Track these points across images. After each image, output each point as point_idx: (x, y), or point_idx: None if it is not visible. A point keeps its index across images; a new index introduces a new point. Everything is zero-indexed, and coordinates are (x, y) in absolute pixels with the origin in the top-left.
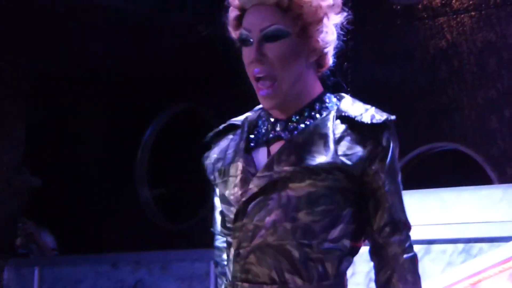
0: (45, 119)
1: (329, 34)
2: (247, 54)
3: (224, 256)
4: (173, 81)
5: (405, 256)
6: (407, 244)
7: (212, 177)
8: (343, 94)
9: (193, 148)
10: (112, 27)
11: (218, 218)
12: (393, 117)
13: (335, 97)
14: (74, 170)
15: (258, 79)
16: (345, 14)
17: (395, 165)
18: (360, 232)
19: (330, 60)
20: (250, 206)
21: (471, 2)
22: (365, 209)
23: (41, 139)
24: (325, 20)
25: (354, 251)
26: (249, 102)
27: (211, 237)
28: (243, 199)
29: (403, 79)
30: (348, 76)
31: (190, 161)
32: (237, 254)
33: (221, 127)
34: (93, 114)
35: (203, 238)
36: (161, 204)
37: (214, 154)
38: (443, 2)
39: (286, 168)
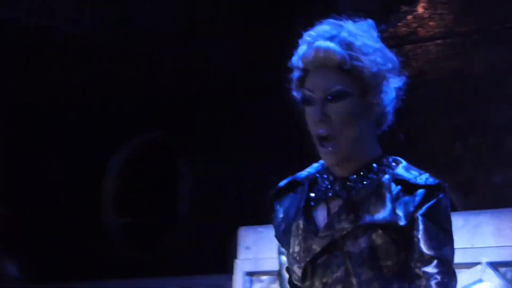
0: (5, 146)
1: (389, 95)
2: (311, 114)
3: None
4: (141, 109)
5: None
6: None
7: (278, 237)
8: (399, 158)
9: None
10: (75, 57)
11: (285, 275)
12: (445, 184)
13: (391, 160)
14: (38, 198)
15: (321, 138)
16: (404, 77)
17: (441, 219)
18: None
19: (389, 120)
20: (316, 265)
21: (436, 31)
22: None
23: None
24: (384, 82)
25: None
26: (215, 130)
27: (177, 266)
28: (307, 258)
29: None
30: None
31: (157, 189)
32: None
33: (283, 183)
34: (56, 142)
35: (168, 267)
36: (128, 232)
37: (279, 214)
38: (409, 30)
39: (346, 226)
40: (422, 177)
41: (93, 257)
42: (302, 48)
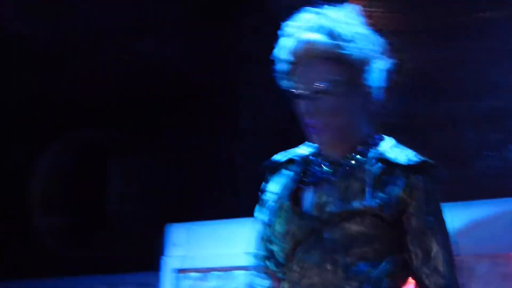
0: None
1: (377, 77)
2: (301, 106)
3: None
4: (70, 107)
5: None
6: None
7: (265, 210)
8: (385, 136)
9: (89, 175)
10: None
11: (263, 245)
12: (431, 161)
13: (378, 138)
14: None
15: (309, 127)
16: (392, 58)
17: (432, 205)
18: (403, 273)
19: (380, 101)
20: (297, 249)
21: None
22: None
23: None
24: (371, 65)
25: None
26: (144, 129)
27: (106, 263)
28: (290, 243)
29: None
30: (248, 103)
31: (86, 188)
32: None
33: (281, 159)
34: None
35: (98, 265)
36: (57, 231)
37: (270, 188)
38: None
39: (326, 212)
40: (404, 156)
41: (22, 257)
42: (286, 41)
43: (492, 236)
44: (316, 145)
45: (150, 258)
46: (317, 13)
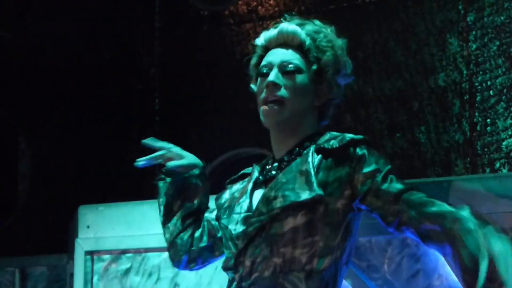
0: None
1: (338, 89)
2: (262, 82)
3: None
4: None
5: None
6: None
7: (216, 213)
8: (327, 131)
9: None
10: None
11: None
12: (359, 136)
13: (319, 133)
14: None
15: (267, 103)
16: (352, 77)
17: (376, 159)
18: (344, 249)
19: (331, 113)
20: (248, 245)
21: (276, 9)
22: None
23: None
24: (337, 75)
25: (341, 275)
26: (56, 109)
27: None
28: (242, 240)
29: (211, 84)
30: (156, 82)
31: None
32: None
33: (235, 176)
34: None
35: (8, 247)
36: None
37: (225, 195)
38: (249, 8)
39: (275, 207)
40: (336, 140)
41: None
42: (267, 31)
43: None
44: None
45: (64, 240)
46: (303, 19)
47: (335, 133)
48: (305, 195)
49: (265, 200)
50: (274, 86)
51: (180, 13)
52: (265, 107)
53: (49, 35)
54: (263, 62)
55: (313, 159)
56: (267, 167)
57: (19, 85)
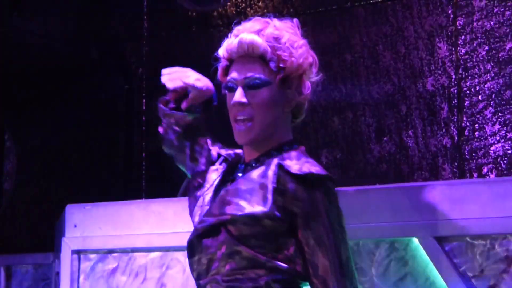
0: None
1: (306, 89)
2: (230, 99)
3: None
4: None
5: None
6: None
7: (189, 201)
8: (298, 146)
9: None
10: None
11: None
12: (324, 173)
13: (288, 147)
14: None
15: (237, 121)
16: (320, 74)
17: (323, 220)
18: (299, 263)
19: (303, 113)
20: (203, 241)
21: (265, 11)
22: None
23: None
24: (304, 76)
25: (299, 277)
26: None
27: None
28: (196, 234)
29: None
30: (143, 82)
31: None
32: (198, 285)
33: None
34: None
35: None
36: None
37: (206, 175)
38: (238, 10)
39: (228, 212)
40: (304, 167)
41: None
42: (228, 40)
43: (390, 221)
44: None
45: (51, 239)
46: (263, 20)
47: (302, 155)
48: (258, 209)
49: (220, 202)
50: (241, 105)
51: (168, 14)
52: (235, 126)
53: (36, 34)
54: (228, 77)
55: (274, 174)
56: (237, 166)
57: (5, 83)
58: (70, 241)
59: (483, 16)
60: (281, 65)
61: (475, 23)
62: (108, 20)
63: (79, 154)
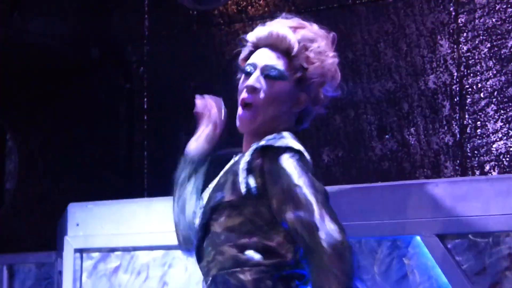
0: None
1: (320, 100)
2: (244, 82)
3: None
4: None
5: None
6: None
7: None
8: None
9: None
10: None
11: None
12: (285, 144)
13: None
14: None
15: (244, 104)
16: (338, 92)
17: (279, 181)
18: (289, 249)
19: (308, 121)
20: (204, 244)
21: (266, 9)
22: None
23: None
24: (322, 86)
25: (287, 267)
26: (43, 105)
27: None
28: (198, 238)
29: (200, 84)
30: (144, 81)
31: None
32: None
33: (222, 152)
34: None
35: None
36: None
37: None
38: (239, 8)
39: (210, 207)
40: (263, 142)
41: None
42: (260, 27)
43: (392, 219)
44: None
45: (53, 237)
46: (302, 22)
47: (279, 135)
48: (228, 196)
49: (208, 199)
50: (253, 90)
51: (169, 12)
52: (240, 111)
53: (37, 33)
54: (249, 61)
55: (246, 159)
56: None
57: (6, 83)
58: (72, 240)
59: (485, 13)
60: (305, 65)
61: (477, 20)
62: (109, 19)
63: (81, 153)
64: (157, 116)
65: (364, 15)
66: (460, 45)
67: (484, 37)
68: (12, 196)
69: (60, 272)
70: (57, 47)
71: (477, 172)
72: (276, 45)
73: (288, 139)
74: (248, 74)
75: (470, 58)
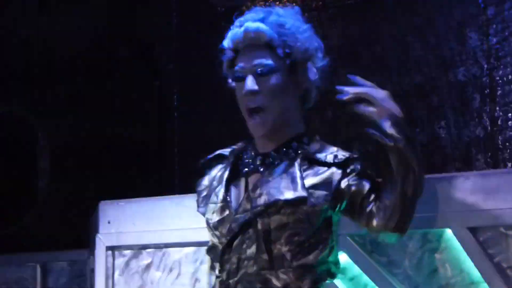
0: None
1: (314, 74)
2: (241, 89)
3: None
4: None
5: None
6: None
7: (197, 201)
8: (316, 137)
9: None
10: None
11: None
12: (355, 155)
13: (308, 138)
14: None
15: (250, 111)
16: (327, 59)
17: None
18: (334, 260)
19: (313, 98)
20: (233, 241)
21: (293, 4)
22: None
23: None
24: (311, 61)
25: (331, 273)
26: (74, 104)
27: (38, 241)
28: (227, 236)
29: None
30: (173, 78)
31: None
32: (227, 285)
33: (211, 155)
34: None
35: (29, 243)
36: None
37: (204, 181)
38: (266, 4)
39: (259, 204)
40: (331, 155)
41: None
42: (232, 31)
43: (423, 213)
44: (249, 141)
45: (85, 235)
46: (265, 9)
47: (324, 144)
48: (289, 195)
49: (249, 197)
50: (252, 94)
51: (197, 9)
52: (250, 120)
53: (66, 32)
54: (236, 67)
55: (301, 164)
56: (246, 159)
57: (38, 83)
58: (104, 238)
59: None
60: (287, 50)
61: (506, 12)
62: (137, 17)
63: (112, 151)
64: (186, 112)
65: (391, 8)
66: (490, 37)
67: None
68: (45, 194)
69: (93, 270)
70: (87, 45)
71: (509, 164)
72: (255, 42)
73: (338, 148)
74: (241, 79)
75: (500, 50)
